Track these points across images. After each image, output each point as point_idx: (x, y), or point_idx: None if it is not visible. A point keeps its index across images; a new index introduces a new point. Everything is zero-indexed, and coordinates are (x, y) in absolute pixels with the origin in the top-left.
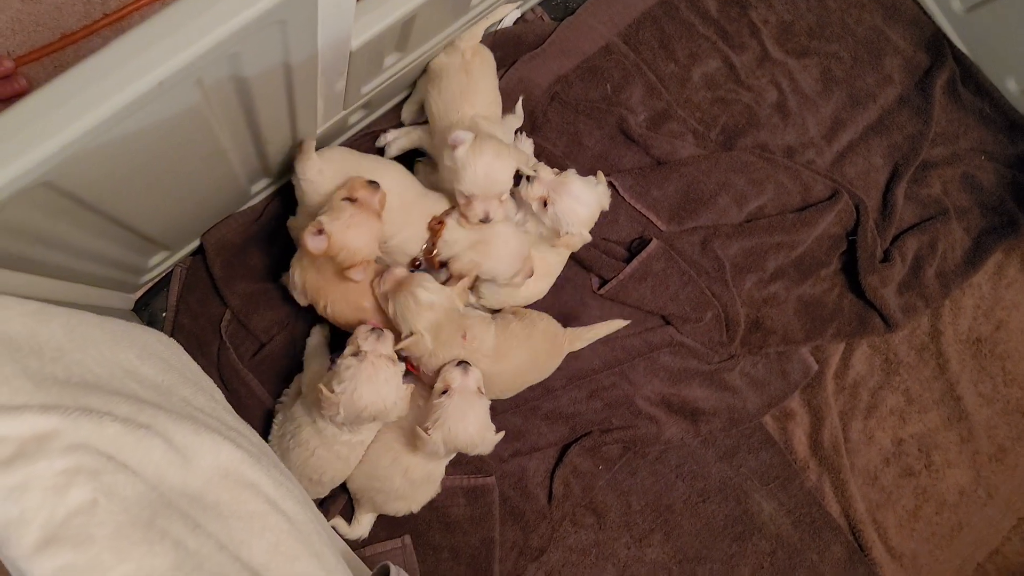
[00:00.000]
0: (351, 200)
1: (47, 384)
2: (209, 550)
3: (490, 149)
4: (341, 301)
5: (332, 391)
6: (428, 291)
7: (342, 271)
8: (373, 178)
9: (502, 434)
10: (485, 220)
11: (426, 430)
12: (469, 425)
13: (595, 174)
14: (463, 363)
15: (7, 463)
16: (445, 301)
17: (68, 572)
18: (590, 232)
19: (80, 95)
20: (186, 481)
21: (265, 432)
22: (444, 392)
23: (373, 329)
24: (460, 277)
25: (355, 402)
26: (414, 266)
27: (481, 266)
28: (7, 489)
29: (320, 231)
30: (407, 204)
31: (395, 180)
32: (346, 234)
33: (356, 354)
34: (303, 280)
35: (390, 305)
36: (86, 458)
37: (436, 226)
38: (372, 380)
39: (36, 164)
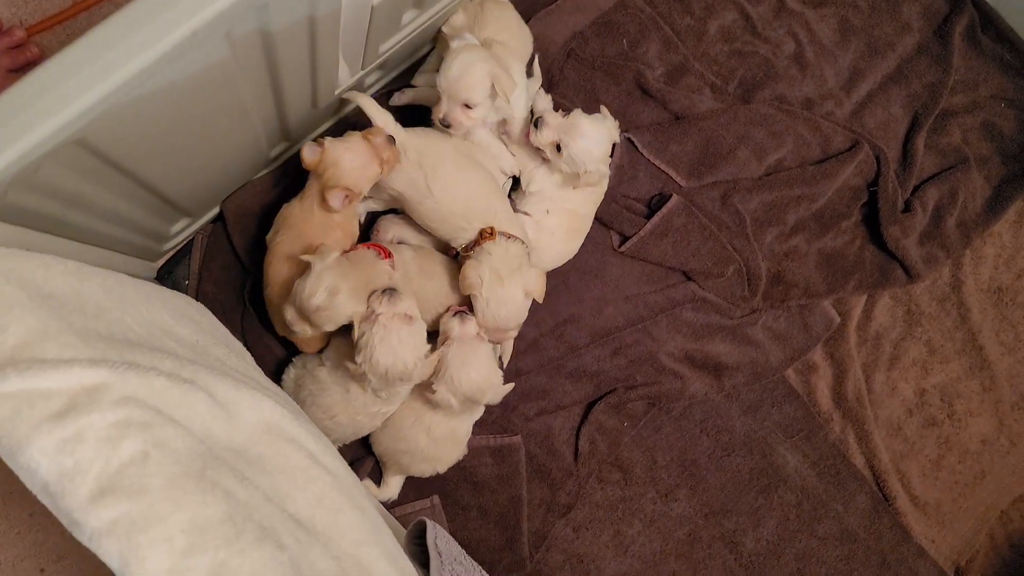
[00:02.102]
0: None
1: (92, 339)
2: (258, 501)
3: (473, 53)
4: (298, 237)
5: (356, 363)
6: (315, 291)
7: (323, 195)
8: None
9: (510, 386)
10: (444, 124)
11: (432, 388)
12: (472, 371)
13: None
14: (459, 312)
15: (60, 416)
16: (335, 276)
17: (124, 522)
18: (612, 189)
19: (117, 46)
20: (231, 435)
21: None
22: (444, 344)
23: (385, 291)
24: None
25: (375, 366)
26: (452, 255)
27: (478, 299)
28: (61, 441)
29: (320, 145)
30: (469, 205)
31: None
32: (342, 153)
33: (369, 318)
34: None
35: (317, 327)
36: (136, 411)
37: (488, 235)
38: (386, 340)
39: (76, 117)
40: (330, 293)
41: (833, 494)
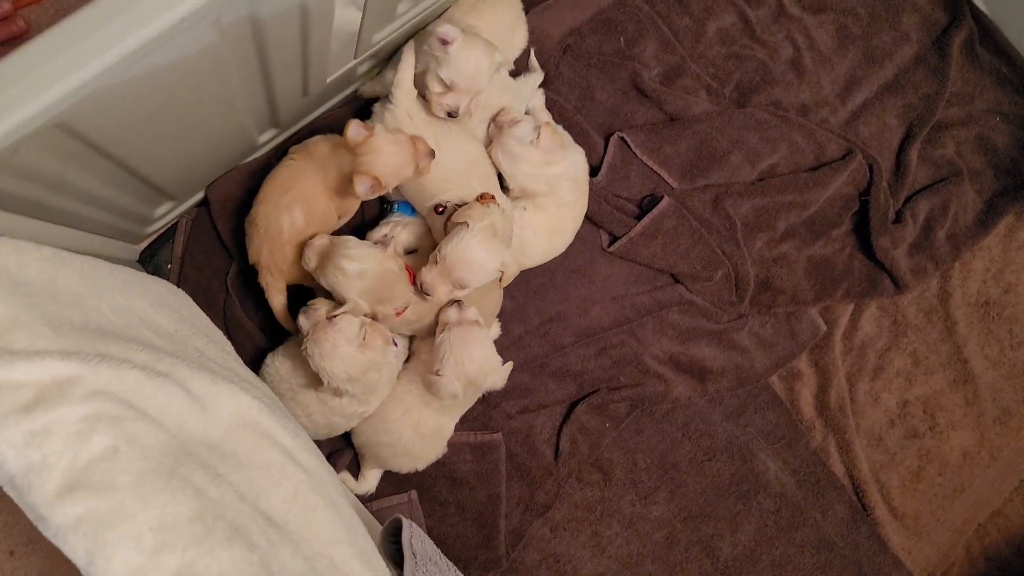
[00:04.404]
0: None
1: (65, 330)
2: (230, 499)
3: (481, 44)
4: (305, 170)
5: (323, 386)
6: (354, 260)
7: (349, 178)
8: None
9: (510, 364)
10: (452, 115)
11: (437, 372)
12: (474, 351)
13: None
14: (456, 302)
15: (28, 409)
16: (375, 265)
17: (90, 518)
18: (603, 188)
19: (102, 30)
20: (205, 430)
21: None
22: (443, 332)
23: (302, 310)
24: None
25: (335, 378)
26: (438, 212)
27: (463, 231)
28: (29, 434)
29: (367, 129)
30: (470, 168)
31: (472, 148)
32: (387, 145)
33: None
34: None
35: (322, 278)
36: (107, 405)
37: (488, 199)
38: (324, 353)
39: (56, 101)
40: (365, 269)
41: (812, 502)
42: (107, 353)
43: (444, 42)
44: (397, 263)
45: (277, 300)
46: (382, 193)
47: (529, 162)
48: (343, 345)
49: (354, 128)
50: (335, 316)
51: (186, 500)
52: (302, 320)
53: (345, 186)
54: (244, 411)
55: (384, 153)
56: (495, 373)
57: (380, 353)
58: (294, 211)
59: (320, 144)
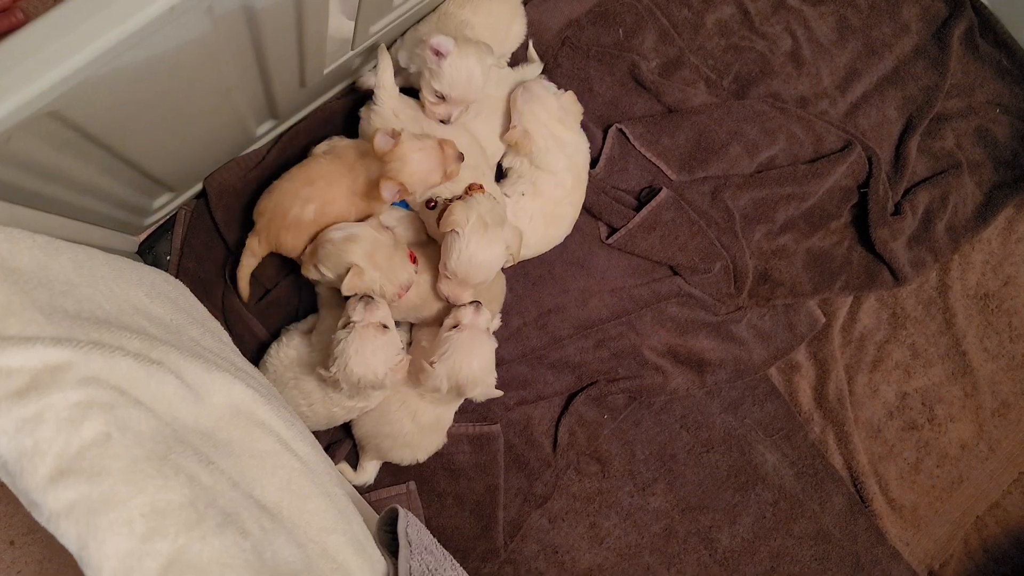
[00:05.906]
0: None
1: (57, 317)
2: (222, 486)
3: (474, 54)
4: (324, 207)
5: (328, 370)
6: (339, 229)
7: (377, 182)
8: (446, 136)
9: (499, 393)
10: (446, 121)
11: (431, 363)
12: (474, 360)
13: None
14: (476, 303)
15: (20, 394)
16: (363, 231)
17: (82, 504)
18: (601, 180)
19: (91, 19)
20: (198, 418)
21: None
22: (454, 328)
23: (362, 298)
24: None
25: (348, 376)
26: (429, 207)
27: (458, 238)
28: (21, 420)
29: (393, 137)
30: (457, 134)
31: (462, 140)
32: (414, 152)
33: (347, 326)
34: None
35: (322, 266)
36: (99, 391)
37: (476, 189)
38: (360, 351)
39: (46, 90)
40: (355, 232)
41: (810, 494)
42: (100, 340)
43: (438, 53)
44: (388, 236)
45: (247, 263)
46: (407, 198)
47: (545, 108)
48: (380, 360)
49: (380, 138)
50: (387, 327)
51: (178, 487)
52: (358, 308)
53: (372, 191)
54: (238, 400)
55: (412, 161)
56: (482, 387)
57: (392, 383)
58: (307, 206)
59: (349, 149)
